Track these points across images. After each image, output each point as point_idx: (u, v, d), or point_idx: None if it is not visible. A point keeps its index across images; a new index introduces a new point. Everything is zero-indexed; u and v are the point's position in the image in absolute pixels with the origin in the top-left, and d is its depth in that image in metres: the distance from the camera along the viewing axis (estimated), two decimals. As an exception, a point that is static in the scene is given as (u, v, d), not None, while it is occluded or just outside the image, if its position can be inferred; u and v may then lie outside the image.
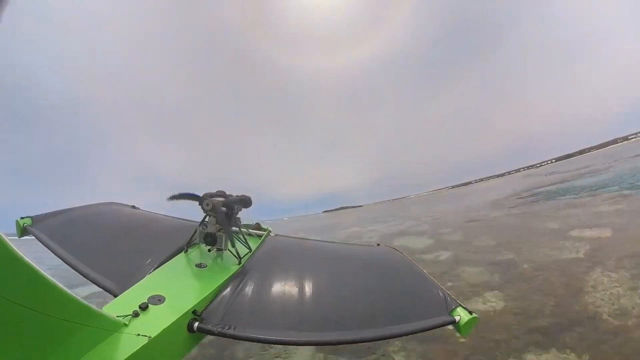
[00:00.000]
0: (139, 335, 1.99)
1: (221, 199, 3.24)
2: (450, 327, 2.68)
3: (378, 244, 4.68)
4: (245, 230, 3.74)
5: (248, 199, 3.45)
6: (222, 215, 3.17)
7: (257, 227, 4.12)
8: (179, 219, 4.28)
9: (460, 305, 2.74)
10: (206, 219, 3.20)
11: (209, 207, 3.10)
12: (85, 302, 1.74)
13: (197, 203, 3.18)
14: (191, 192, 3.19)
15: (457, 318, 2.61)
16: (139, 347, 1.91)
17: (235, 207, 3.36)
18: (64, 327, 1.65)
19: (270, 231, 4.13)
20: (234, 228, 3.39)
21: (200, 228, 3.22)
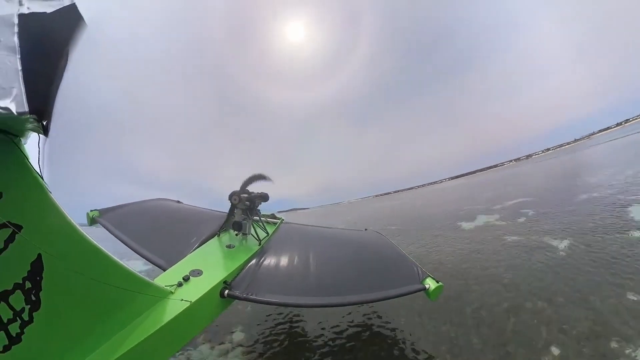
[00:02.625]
0: (182, 300, 2.46)
1: (245, 195, 3.97)
2: (421, 293, 3.12)
3: (366, 229, 5.41)
4: (264, 219, 4.43)
5: (266, 195, 4.17)
6: (246, 208, 3.90)
7: (273, 216, 4.84)
8: (213, 210, 5.00)
9: (429, 276, 3.20)
10: (234, 211, 3.91)
11: (236, 201, 3.83)
12: (141, 275, 2.20)
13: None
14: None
15: (427, 286, 3.07)
16: (182, 310, 2.38)
17: (256, 201, 4.04)
18: (124, 295, 2.05)
19: (283, 220, 4.83)
20: (255, 217, 4.07)
21: (229, 217, 3.94)
